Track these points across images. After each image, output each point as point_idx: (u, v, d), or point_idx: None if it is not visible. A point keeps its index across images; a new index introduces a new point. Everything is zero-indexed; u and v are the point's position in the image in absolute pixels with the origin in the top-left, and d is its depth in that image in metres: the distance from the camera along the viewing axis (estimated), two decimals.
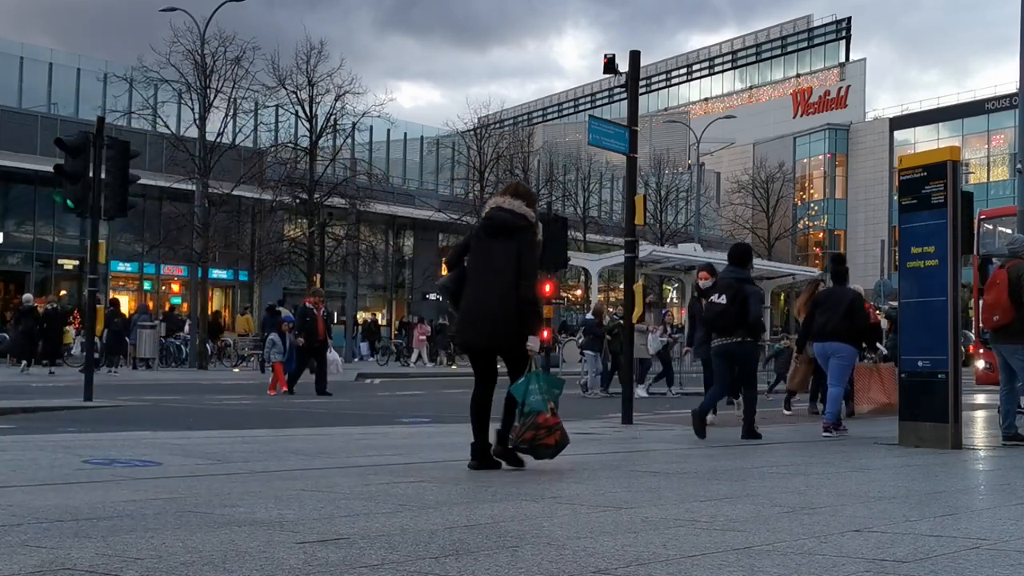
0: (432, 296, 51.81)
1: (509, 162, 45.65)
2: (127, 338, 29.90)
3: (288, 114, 40.22)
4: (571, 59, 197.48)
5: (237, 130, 35.60)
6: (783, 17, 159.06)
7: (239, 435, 9.82)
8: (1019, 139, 20.49)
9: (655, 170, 57.15)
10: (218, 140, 33.84)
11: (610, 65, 12.96)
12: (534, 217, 7.31)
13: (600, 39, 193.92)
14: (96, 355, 21.49)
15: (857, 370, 12.63)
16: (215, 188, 33.40)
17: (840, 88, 79.87)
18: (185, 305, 39.41)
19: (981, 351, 18.66)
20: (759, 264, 30.43)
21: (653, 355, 20.65)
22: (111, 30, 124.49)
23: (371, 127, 42.46)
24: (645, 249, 27.11)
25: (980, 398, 18.98)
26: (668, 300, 56.26)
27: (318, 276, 36.03)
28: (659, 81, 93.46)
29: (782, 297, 56.87)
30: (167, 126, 35.22)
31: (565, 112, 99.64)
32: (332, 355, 20.08)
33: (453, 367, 36.80)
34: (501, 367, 7.34)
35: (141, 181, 17.86)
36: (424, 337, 37.36)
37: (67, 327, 28.83)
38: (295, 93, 37.74)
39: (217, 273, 41.03)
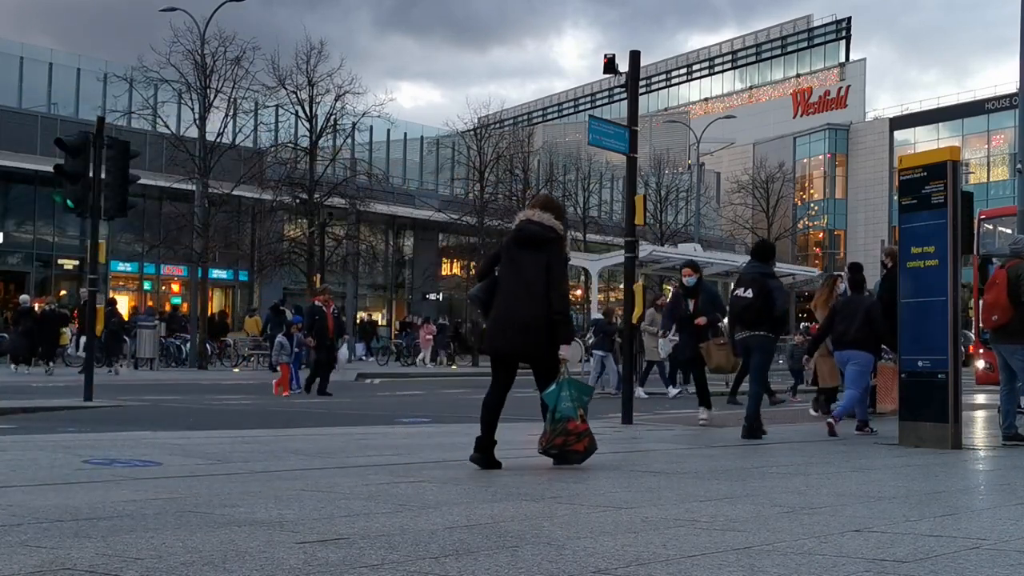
0: (432, 296, 51.85)
1: (509, 162, 45.59)
2: (126, 338, 29.90)
3: (288, 114, 40.20)
4: (571, 59, 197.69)
5: (237, 130, 35.64)
6: (783, 17, 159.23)
7: (239, 435, 9.82)
8: (1019, 139, 20.49)
9: (655, 170, 57.10)
10: (218, 140, 33.85)
11: (610, 65, 12.97)
12: (563, 230, 7.57)
13: (600, 39, 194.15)
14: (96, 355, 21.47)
15: (881, 369, 12.57)
16: (215, 188, 33.40)
17: (840, 88, 79.87)
18: (185, 305, 39.43)
19: (981, 351, 18.67)
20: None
21: (665, 358, 20.59)
22: (111, 30, 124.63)
23: (371, 127, 42.45)
24: (645, 249, 27.04)
25: (980, 398, 18.97)
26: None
27: (318, 276, 36.02)
28: (659, 81, 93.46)
29: None
30: (167, 126, 35.21)
31: (565, 112, 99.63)
32: (342, 353, 20.03)
33: (453, 367, 36.84)
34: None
35: (141, 181, 17.86)
36: (430, 336, 37.46)
37: (64, 328, 28.78)
38: (295, 93, 37.74)
39: (217, 273, 41.04)
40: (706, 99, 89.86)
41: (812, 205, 75.95)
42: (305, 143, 39.04)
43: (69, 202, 15.58)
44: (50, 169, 16.71)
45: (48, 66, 42.05)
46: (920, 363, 9.72)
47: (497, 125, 59.89)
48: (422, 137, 53.84)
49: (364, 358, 40.11)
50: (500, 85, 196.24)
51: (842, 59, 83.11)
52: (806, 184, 77.40)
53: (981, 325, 14.41)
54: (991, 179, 66.07)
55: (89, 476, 6.42)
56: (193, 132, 33.87)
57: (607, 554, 4.08)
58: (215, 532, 4.39)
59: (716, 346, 11.91)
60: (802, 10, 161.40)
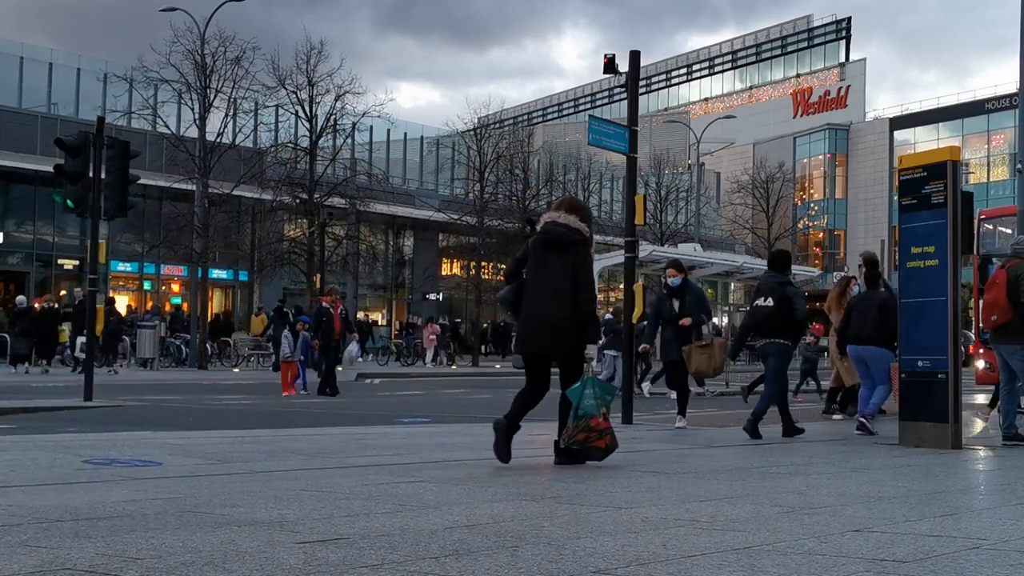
0: (432, 296, 51.84)
1: (509, 162, 45.55)
2: (124, 337, 29.88)
3: (288, 114, 40.20)
4: (571, 59, 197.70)
5: (237, 130, 35.61)
6: (783, 17, 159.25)
7: (239, 435, 9.82)
8: (1019, 139, 20.49)
9: (655, 170, 57.09)
10: (218, 140, 33.82)
11: (610, 65, 12.97)
12: (588, 232, 7.61)
13: (600, 39, 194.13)
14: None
15: (892, 368, 12.55)
16: (215, 188, 33.38)
17: (840, 88, 79.87)
18: (185, 305, 39.42)
19: (981, 351, 18.66)
20: (759, 264, 30.44)
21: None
22: (111, 30, 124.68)
23: (371, 127, 42.44)
24: (645, 249, 27.06)
25: (980, 398, 18.96)
26: None
27: (318, 276, 36.01)
28: (659, 81, 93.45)
29: None
30: (167, 126, 35.19)
31: (565, 112, 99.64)
32: (350, 349, 19.99)
33: (453, 367, 36.84)
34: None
35: (141, 181, 17.88)
36: (434, 337, 37.48)
37: (62, 327, 28.76)
38: (295, 93, 37.73)
39: (217, 273, 41.01)
40: (706, 99, 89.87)
41: (812, 205, 75.96)
42: (305, 143, 39.04)
43: (69, 202, 15.60)
44: (50, 169, 16.71)
45: (48, 66, 42.04)
46: (920, 363, 9.72)
47: (497, 125, 59.87)
48: (422, 137, 53.83)
49: (361, 358, 40.08)
50: (500, 85, 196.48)
51: (842, 59, 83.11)
52: (806, 184, 77.40)
53: (981, 325, 14.41)
54: (991, 179, 66.07)
55: (89, 476, 6.42)
56: (193, 132, 33.86)
57: (607, 554, 4.08)
58: (215, 532, 4.39)
59: (697, 349, 11.87)
60: (802, 10, 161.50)
